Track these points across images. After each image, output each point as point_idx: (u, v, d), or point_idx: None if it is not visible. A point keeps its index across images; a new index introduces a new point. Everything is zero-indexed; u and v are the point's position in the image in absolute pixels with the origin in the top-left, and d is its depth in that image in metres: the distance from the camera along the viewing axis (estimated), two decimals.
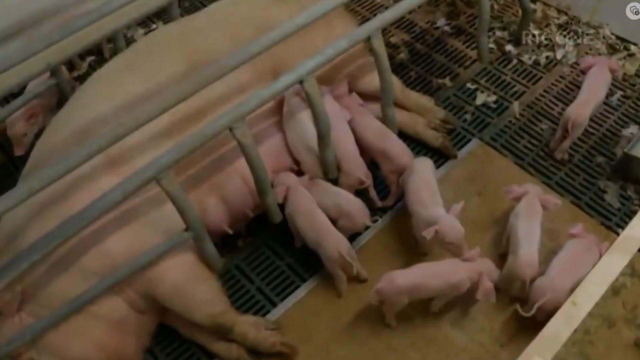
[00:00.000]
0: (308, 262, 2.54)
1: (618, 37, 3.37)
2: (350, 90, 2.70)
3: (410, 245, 2.56)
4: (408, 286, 2.21)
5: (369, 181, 2.53)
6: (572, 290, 2.07)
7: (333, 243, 2.33)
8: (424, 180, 2.47)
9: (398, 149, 2.58)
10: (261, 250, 2.64)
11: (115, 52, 2.86)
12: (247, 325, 2.27)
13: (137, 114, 2.08)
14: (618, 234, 2.46)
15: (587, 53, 3.25)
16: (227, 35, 2.55)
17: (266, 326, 2.29)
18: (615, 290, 2.20)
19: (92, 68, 3.47)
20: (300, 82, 2.29)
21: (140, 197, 2.18)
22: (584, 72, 2.87)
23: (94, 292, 2.09)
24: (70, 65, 3.40)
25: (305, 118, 2.49)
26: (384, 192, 2.71)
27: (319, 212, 2.42)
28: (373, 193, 2.62)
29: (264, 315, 2.43)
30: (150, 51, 2.53)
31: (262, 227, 2.62)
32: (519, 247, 2.31)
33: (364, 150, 2.62)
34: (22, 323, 2.10)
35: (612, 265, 1.88)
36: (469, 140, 2.94)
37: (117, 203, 2.01)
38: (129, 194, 2.02)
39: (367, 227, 2.50)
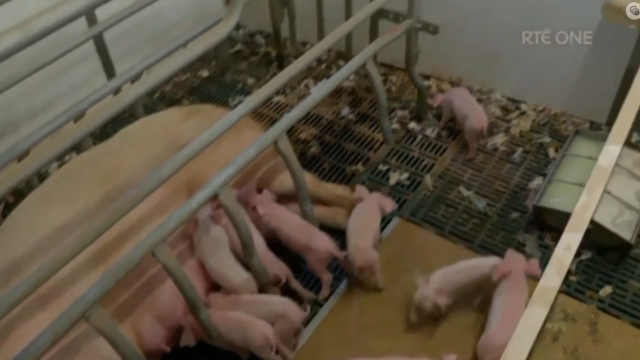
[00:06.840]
0: None
1: (509, 99, 3.64)
2: (260, 189, 2.76)
3: (356, 330, 2.56)
4: None
5: (284, 279, 2.56)
6: None
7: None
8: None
9: (322, 242, 2.63)
10: None
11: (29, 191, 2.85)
12: None
13: (56, 255, 2.06)
14: None
15: None
16: (142, 153, 2.59)
17: None
18: (553, 337, 2.28)
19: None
20: (216, 195, 2.34)
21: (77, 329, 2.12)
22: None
23: None
24: None
25: (222, 242, 2.54)
26: (317, 285, 2.74)
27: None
28: (299, 287, 2.65)
29: None
30: (67, 179, 2.53)
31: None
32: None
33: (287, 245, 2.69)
34: None
35: (534, 316, 1.95)
36: (390, 220, 3.00)
37: (48, 347, 1.96)
38: (59, 337, 1.98)
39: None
